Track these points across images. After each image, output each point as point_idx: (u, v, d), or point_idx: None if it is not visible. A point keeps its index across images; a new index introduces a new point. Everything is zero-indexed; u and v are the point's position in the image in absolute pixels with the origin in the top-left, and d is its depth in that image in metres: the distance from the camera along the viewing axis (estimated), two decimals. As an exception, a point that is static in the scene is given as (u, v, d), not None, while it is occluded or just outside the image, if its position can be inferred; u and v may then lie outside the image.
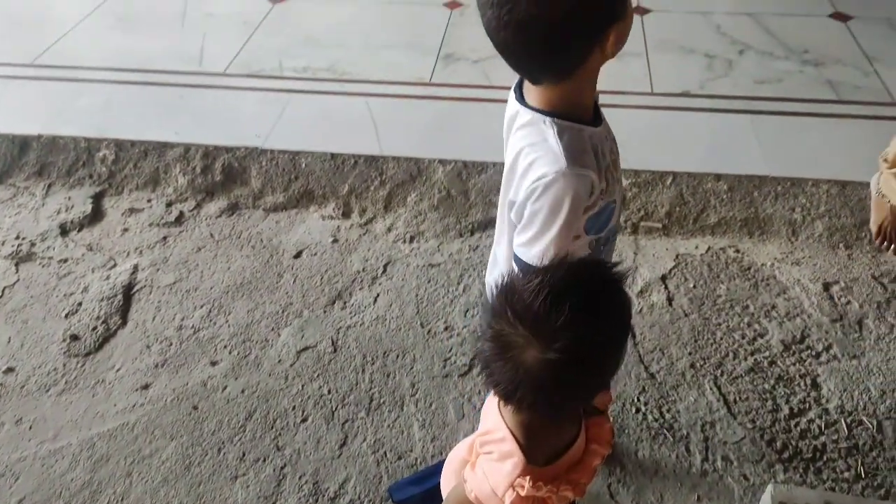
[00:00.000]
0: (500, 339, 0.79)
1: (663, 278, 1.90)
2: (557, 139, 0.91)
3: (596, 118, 0.98)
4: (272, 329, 1.80)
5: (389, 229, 2.08)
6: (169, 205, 2.18)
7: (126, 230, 2.11)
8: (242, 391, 1.65)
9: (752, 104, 2.37)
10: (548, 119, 0.93)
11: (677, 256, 1.96)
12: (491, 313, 0.82)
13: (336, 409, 1.61)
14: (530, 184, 0.92)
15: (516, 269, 1.00)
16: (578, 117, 0.94)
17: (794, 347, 1.71)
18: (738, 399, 1.60)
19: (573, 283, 0.79)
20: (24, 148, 2.33)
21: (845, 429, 1.55)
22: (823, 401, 1.60)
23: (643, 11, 2.88)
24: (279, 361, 1.72)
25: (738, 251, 1.97)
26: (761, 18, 2.83)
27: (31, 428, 1.59)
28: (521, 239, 0.98)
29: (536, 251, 0.96)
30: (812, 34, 2.72)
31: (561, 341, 0.75)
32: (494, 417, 0.93)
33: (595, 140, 0.95)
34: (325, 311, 1.84)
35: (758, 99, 2.39)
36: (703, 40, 2.71)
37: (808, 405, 1.59)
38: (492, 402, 0.96)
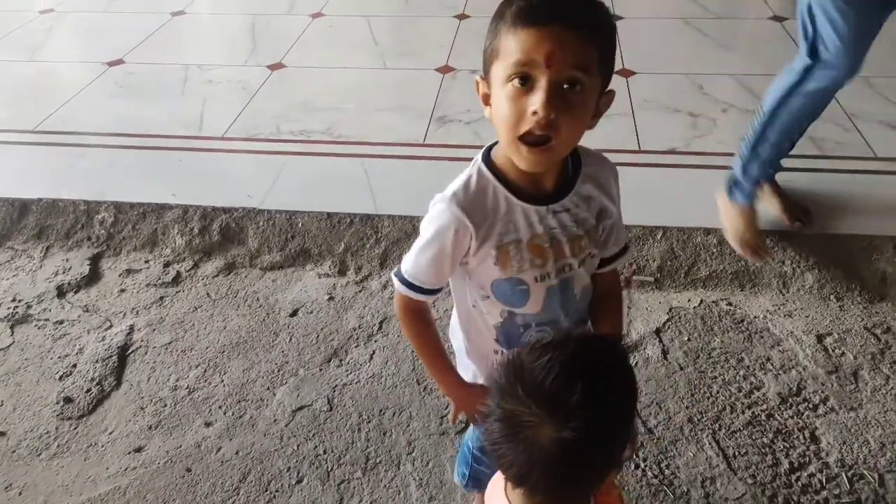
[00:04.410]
0: (511, 420, 0.77)
1: (657, 332, 1.91)
2: (467, 176, 0.97)
3: (548, 198, 0.97)
4: (268, 388, 1.79)
5: (385, 286, 2.09)
6: (166, 265, 2.20)
7: (123, 291, 2.12)
8: (237, 452, 1.63)
9: (738, 160, 2.43)
10: (479, 159, 0.98)
11: (670, 310, 1.98)
12: (499, 392, 0.79)
13: (332, 469, 1.59)
14: None
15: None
16: (518, 187, 0.95)
17: (790, 400, 1.71)
18: (737, 454, 1.59)
19: (583, 359, 0.78)
20: (24, 211, 2.36)
21: (847, 483, 1.53)
22: (823, 454, 1.59)
23: (628, 73, 2.99)
24: (274, 421, 1.70)
25: (730, 304, 1.99)
26: (742, 79, 2.93)
27: (20, 494, 1.56)
28: None
29: (404, 262, 1.04)
30: (792, 93, 2.81)
31: (575, 420, 0.73)
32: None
33: (512, 210, 0.95)
34: (320, 370, 1.84)
35: (743, 155, 2.45)
36: (687, 100, 2.80)
37: (808, 459, 1.58)
38: (496, 487, 0.92)
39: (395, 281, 1.05)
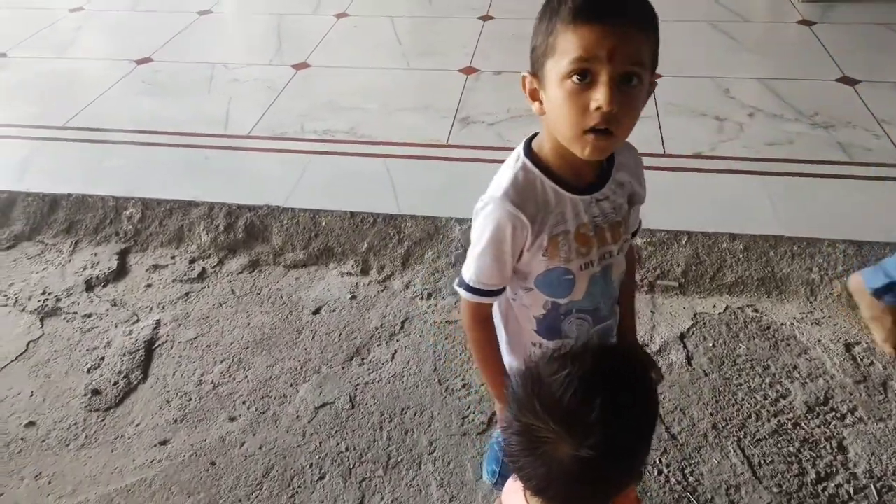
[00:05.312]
0: (529, 434, 0.77)
1: (682, 337, 1.89)
2: (514, 173, 0.97)
3: (590, 188, 0.99)
4: (291, 385, 1.81)
5: (407, 286, 2.10)
6: (192, 261, 2.23)
7: (150, 286, 2.15)
8: (260, 447, 1.65)
9: (764, 165, 2.40)
10: (522, 155, 0.98)
11: (695, 315, 1.96)
12: (516, 404, 0.79)
13: (353, 466, 1.60)
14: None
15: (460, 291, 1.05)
16: (563, 179, 0.96)
17: (818, 409, 1.68)
18: (762, 462, 1.57)
19: (601, 373, 0.77)
20: (54, 206, 2.40)
21: (875, 495, 1.51)
22: (851, 465, 1.56)
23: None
24: (297, 418, 1.72)
25: (756, 310, 1.97)
26: (770, 83, 2.90)
27: (50, 483, 1.58)
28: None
29: (465, 271, 1.03)
30: (821, 98, 2.78)
31: (594, 437, 0.72)
32: None
33: (561, 202, 0.97)
34: (343, 368, 1.85)
35: (769, 160, 2.43)
36: (713, 104, 2.77)
37: (835, 469, 1.55)
38: (514, 489, 0.92)
39: (462, 292, 1.05)
